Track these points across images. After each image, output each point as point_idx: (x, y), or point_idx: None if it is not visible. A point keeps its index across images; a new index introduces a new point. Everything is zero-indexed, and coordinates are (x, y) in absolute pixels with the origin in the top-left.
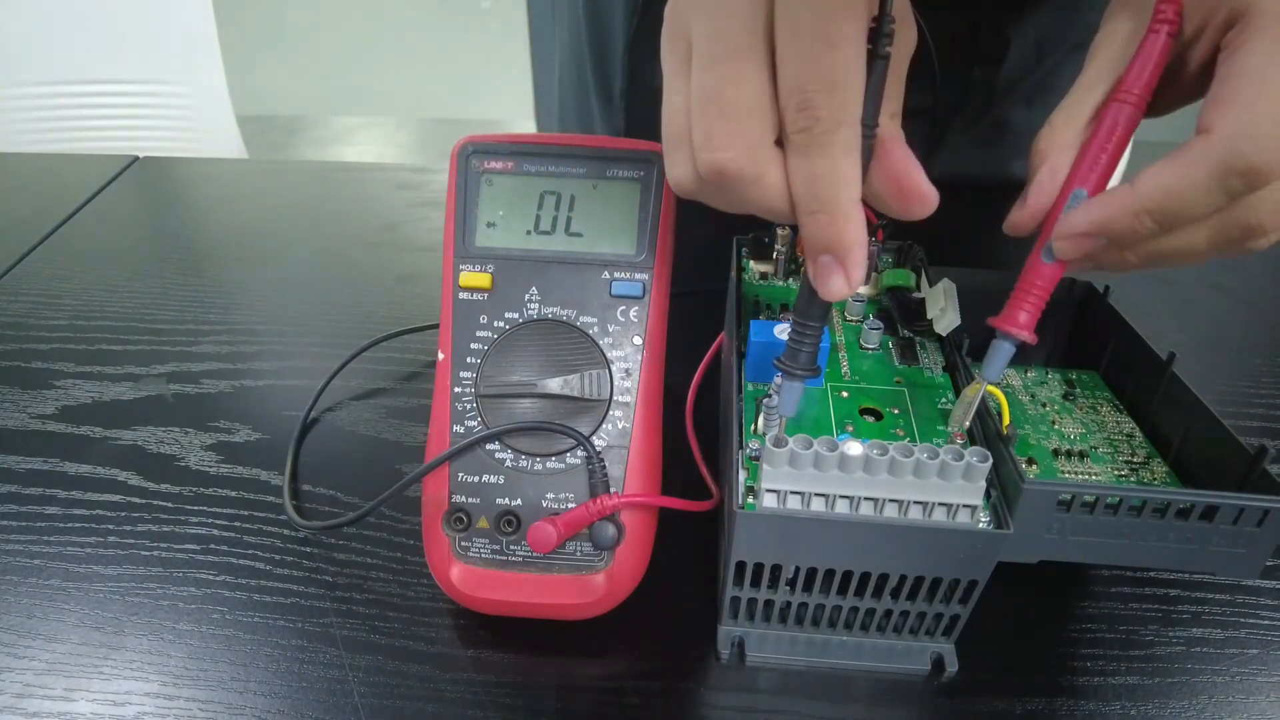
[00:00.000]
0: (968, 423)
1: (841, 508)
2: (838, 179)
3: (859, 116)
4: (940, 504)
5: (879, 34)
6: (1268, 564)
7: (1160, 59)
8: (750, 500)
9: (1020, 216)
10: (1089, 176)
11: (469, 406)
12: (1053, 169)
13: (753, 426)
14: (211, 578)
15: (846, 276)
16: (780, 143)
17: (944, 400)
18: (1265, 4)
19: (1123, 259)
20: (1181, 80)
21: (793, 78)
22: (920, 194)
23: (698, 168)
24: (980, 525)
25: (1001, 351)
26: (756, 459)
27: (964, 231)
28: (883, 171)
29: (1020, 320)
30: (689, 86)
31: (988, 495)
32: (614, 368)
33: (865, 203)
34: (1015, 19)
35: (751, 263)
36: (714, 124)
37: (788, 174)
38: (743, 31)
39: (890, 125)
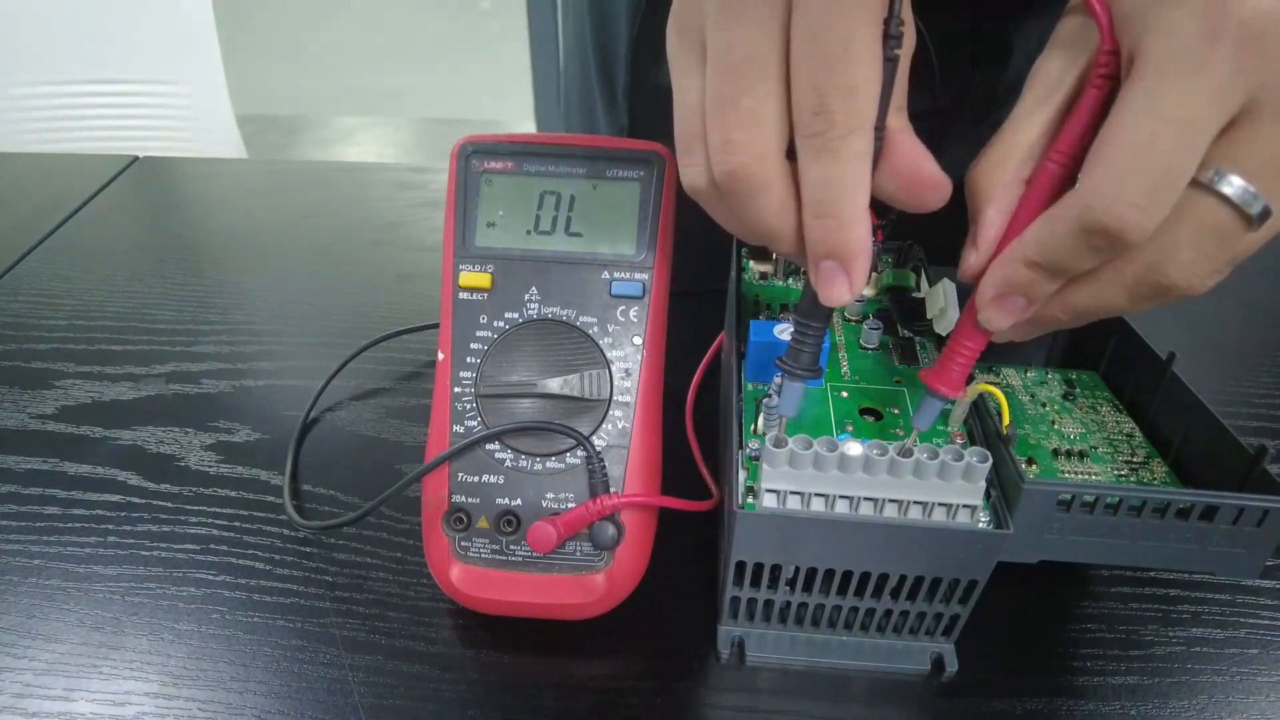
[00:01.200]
0: (958, 427)
1: (841, 508)
2: (848, 184)
3: (874, 122)
4: (940, 504)
5: (888, 35)
6: (1268, 564)
7: (1096, 115)
8: (750, 500)
9: (976, 260)
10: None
11: (469, 406)
12: (999, 208)
13: (753, 426)
14: (211, 578)
15: (850, 282)
16: (790, 153)
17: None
18: (1152, 46)
19: (1053, 317)
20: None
21: (808, 82)
22: (934, 182)
23: (713, 172)
24: (980, 525)
25: (932, 407)
26: (756, 459)
27: (964, 231)
28: (893, 165)
29: (950, 379)
30: (703, 88)
31: (987, 495)
32: (614, 368)
33: (872, 201)
34: (1018, 22)
35: (751, 263)
36: (733, 131)
37: (798, 178)
38: (760, 38)
39: (897, 118)
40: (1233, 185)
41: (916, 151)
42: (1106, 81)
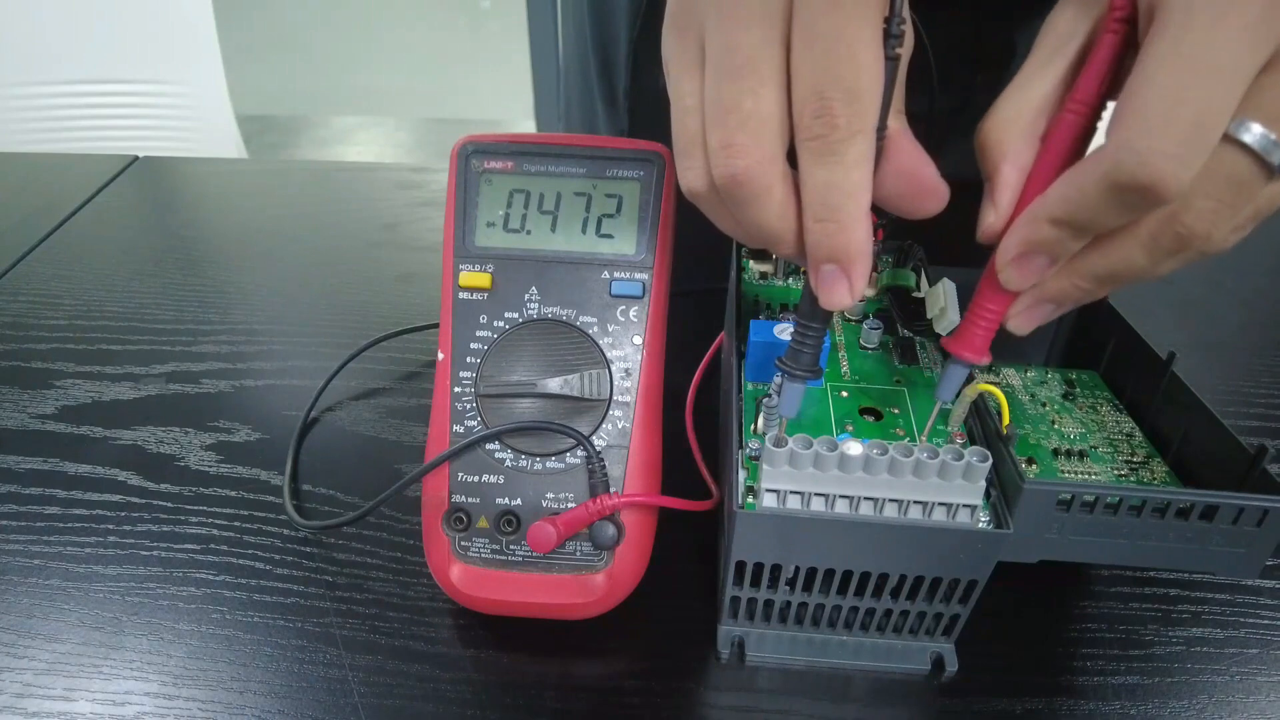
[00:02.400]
0: (957, 427)
1: (841, 507)
2: (850, 187)
3: (875, 125)
4: (940, 504)
5: (889, 35)
6: (1268, 564)
7: (1113, 62)
8: (750, 500)
9: (995, 220)
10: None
11: (469, 406)
12: (1015, 165)
13: (752, 426)
14: (211, 578)
15: (850, 286)
16: (790, 156)
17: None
18: None
19: (1074, 285)
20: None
21: (810, 85)
22: (933, 189)
23: (713, 175)
24: (980, 525)
25: (955, 375)
26: (756, 459)
27: (964, 231)
28: (894, 169)
29: (975, 344)
30: (702, 91)
31: (987, 495)
32: (614, 367)
33: (871, 206)
34: (1020, 25)
35: (751, 263)
36: (734, 134)
37: (799, 182)
38: (761, 41)
39: (896, 120)
40: (1252, 133)
41: (916, 155)
42: (1123, 25)
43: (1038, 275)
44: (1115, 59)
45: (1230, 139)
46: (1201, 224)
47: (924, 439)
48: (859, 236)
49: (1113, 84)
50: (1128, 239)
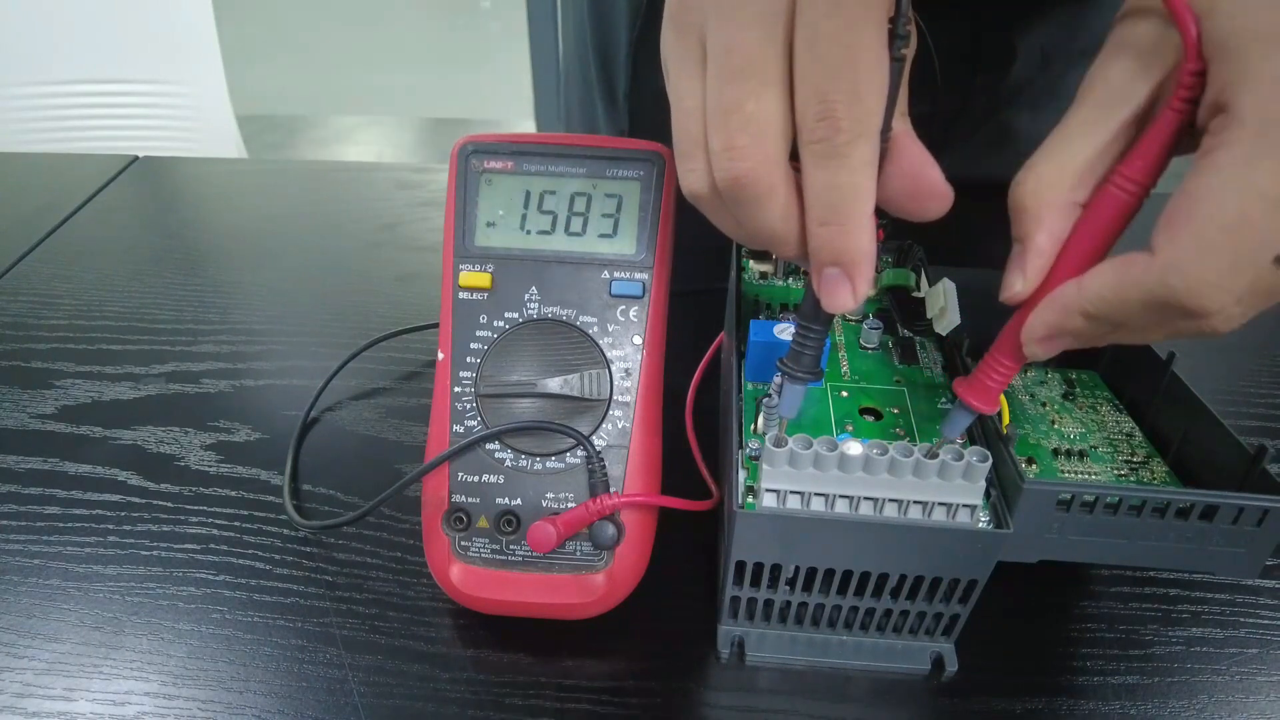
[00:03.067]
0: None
1: (841, 507)
2: (853, 190)
3: (879, 128)
4: (940, 504)
5: (894, 36)
6: (1267, 564)
7: (1173, 142)
8: (750, 500)
9: (1022, 289)
10: (1079, 267)
11: (469, 406)
12: (1050, 234)
13: (752, 426)
14: (211, 577)
15: (853, 290)
16: (793, 157)
17: (944, 400)
18: (1249, 104)
19: (1089, 343)
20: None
21: (813, 87)
22: (938, 192)
23: (715, 177)
24: (980, 525)
25: (962, 419)
26: (756, 458)
27: (964, 231)
28: (898, 171)
29: (987, 397)
30: (703, 92)
31: (987, 495)
32: (614, 367)
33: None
34: (1021, 27)
35: (751, 262)
36: (736, 136)
37: (802, 185)
38: (763, 42)
39: (902, 123)
40: None
41: (921, 158)
42: (1189, 106)
43: (1059, 350)
44: (1176, 139)
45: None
46: (1226, 327)
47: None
48: (863, 240)
49: (1168, 162)
50: (1150, 330)
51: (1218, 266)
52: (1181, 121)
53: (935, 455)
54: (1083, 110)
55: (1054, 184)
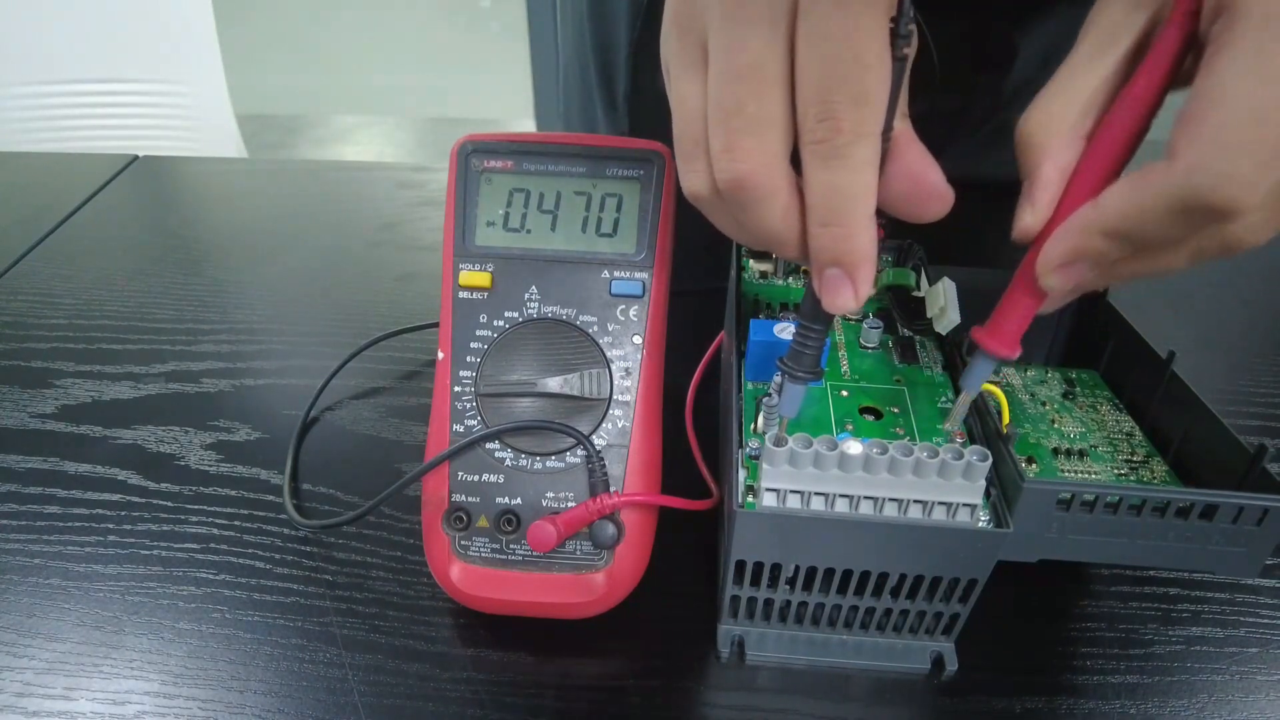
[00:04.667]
0: (958, 424)
1: (841, 507)
2: (854, 192)
3: (880, 128)
4: (940, 503)
5: (896, 36)
6: (1267, 563)
7: (1177, 58)
8: (750, 499)
9: (1032, 221)
10: (1090, 193)
11: (469, 405)
12: (1057, 165)
13: (752, 425)
14: (211, 577)
15: (855, 290)
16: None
17: (944, 399)
18: None
19: (1106, 280)
20: (1181, 71)
21: (814, 87)
22: (938, 193)
23: (716, 178)
24: (980, 524)
25: (984, 368)
26: (756, 458)
27: (964, 230)
28: (899, 172)
29: (1007, 339)
30: (704, 93)
31: (987, 494)
32: (614, 367)
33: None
34: (1023, 26)
35: (751, 262)
36: (738, 137)
37: (803, 186)
38: (766, 42)
39: (903, 124)
40: None
41: (922, 159)
42: (1190, 19)
43: (1080, 279)
44: (1179, 55)
45: None
46: (1252, 235)
47: (950, 426)
48: (863, 241)
49: (1172, 83)
50: (1173, 250)
51: (1241, 159)
52: (1184, 36)
53: (914, 452)
54: (1083, 46)
55: (1058, 116)
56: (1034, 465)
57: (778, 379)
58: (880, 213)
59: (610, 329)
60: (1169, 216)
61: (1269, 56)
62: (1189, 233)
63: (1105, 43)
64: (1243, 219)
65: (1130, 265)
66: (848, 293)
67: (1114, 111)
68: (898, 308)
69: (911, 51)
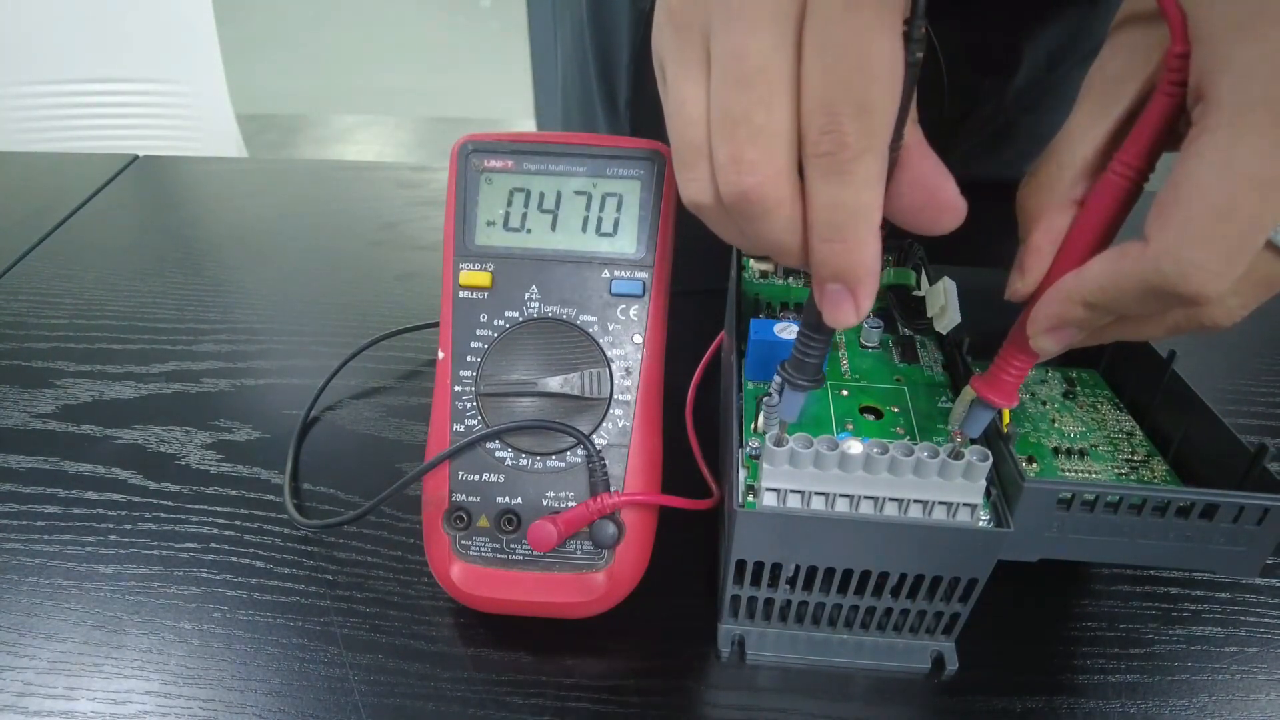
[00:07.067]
0: (957, 425)
1: (841, 506)
2: (858, 207)
3: (888, 142)
4: (940, 502)
5: (909, 40)
6: (1268, 562)
7: (1165, 126)
8: (750, 499)
9: (1022, 288)
10: (1081, 258)
11: (469, 405)
12: (1049, 232)
13: (753, 425)
14: (212, 576)
15: (856, 306)
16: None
17: (944, 399)
18: (1225, 88)
19: (1096, 341)
20: (1174, 134)
21: (818, 97)
22: (951, 205)
23: (720, 189)
24: (980, 524)
25: (983, 416)
26: (756, 457)
27: (964, 230)
28: (911, 183)
29: (1005, 391)
30: (706, 97)
31: (988, 494)
32: (614, 366)
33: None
34: (1029, 32)
35: (751, 261)
36: (744, 149)
37: (805, 198)
38: (773, 47)
39: (914, 132)
40: None
41: (935, 170)
42: (1177, 89)
43: (1069, 341)
44: (1168, 124)
45: (1269, 245)
46: (1225, 318)
47: (957, 429)
48: (866, 257)
49: (1162, 146)
50: (1152, 322)
51: (1207, 250)
52: (1171, 106)
53: (960, 455)
54: (1080, 113)
55: (1049, 185)
56: (1034, 465)
57: (778, 379)
58: (883, 221)
59: (610, 328)
60: (1141, 296)
61: (1239, 150)
62: (1162, 310)
63: (1099, 108)
64: (1212, 305)
65: (1115, 330)
66: (849, 307)
67: (1104, 178)
68: (898, 307)
69: (920, 56)
